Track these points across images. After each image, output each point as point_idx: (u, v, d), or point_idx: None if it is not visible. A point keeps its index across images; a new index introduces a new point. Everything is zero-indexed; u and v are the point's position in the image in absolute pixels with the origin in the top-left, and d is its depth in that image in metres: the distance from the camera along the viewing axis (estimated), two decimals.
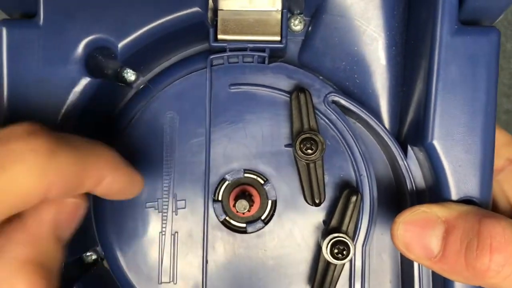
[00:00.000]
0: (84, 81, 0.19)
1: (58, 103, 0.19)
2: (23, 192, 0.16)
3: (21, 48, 0.19)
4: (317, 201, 0.21)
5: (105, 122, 0.22)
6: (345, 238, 0.19)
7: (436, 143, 0.18)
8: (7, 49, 0.19)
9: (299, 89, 0.20)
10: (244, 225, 0.22)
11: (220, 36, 0.20)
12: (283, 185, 0.21)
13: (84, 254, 0.23)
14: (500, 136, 0.21)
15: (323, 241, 0.20)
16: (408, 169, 0.19)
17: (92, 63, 0.19)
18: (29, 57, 0.19)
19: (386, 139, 0.20)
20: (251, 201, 0.20)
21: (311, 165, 0.20)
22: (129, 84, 0.21)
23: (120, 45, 0.19)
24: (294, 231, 0.21)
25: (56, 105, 0.19)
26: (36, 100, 0.19)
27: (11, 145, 0.16)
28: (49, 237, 0.18)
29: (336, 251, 0.20)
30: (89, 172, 0.18)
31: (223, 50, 0.20)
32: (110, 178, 0.18)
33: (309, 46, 0.21)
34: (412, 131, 0.19)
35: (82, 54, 0.19)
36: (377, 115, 0.20)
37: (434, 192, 0.19)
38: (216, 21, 0.20)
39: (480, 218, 0.17)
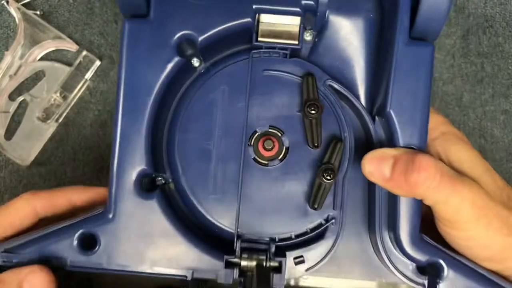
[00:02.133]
0: (176, 59, 0.31)
1: (158, 72, 0.30)
2: None
3: (137, 37, 0.30)
4: (316, 145, 0.31)
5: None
6: (332, 166, 0.30)
7: (391, 111, 0.29)
8: (127, 37, 0.30)
9: (308, 74, 0.31)
10: (266, 162, 0.32)
11: (259, 39, 0.31)
12: (294, 137, 0.32)
13: (157, 177, 0.33)
14: (439, 118, 0.32)
15: (318, 169, 0.31)
16: (375, 130, 0.31)
17: (180, 48, 0.30)
18: (142, 42, 0.30)
19: (362, 112, 0.31)
20: (273, 144, 0.31)
21: (313, 121, 0.31)
22: (195, 68, 0.32)
23: (200, 39, 0.30)
24: (299, 166, 0.32)
25: (157, 74, 0.30)
26: (144, 70, 0.30)
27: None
28: None
29: (326, 175, 0.30)
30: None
31: (260, 47, 0.31)
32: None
33: (315, 50, 0.32)
34: (378, 107, 0.30)
35: (175, 42, 0.30)
36: (357, 97, 0.32)
37: (390, 143, 0.30)
38: (258, 28, 0.31)
39: (415, 153, 0.28)
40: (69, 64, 0.50)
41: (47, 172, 0.50)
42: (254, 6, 0.29)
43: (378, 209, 0.30)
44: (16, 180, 0.50)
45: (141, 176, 0.31)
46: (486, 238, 0.28)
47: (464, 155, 0.30)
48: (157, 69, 0.30)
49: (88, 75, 0.50)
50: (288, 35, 0.30)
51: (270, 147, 0.31)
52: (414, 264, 0.30)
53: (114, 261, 0.31)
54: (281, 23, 0.30)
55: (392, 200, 0.29)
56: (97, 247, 0.31)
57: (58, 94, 0.49)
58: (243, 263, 0.30)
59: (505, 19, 0.51)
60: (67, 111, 0.50)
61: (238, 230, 0.31)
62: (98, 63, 0.50)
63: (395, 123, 0.29)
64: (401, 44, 0.29)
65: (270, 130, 0.32)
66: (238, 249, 0.30)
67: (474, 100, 0.51)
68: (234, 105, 0.32)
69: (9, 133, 0.50)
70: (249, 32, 0.30)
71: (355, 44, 0.31)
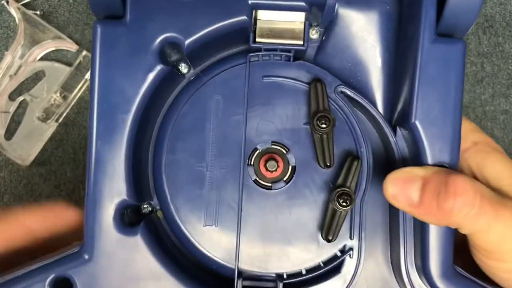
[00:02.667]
0: (158, 67, 0.26)
1: (138, 84, 0.26)
2: None
3: (111, 42, 0.25)
4: (328, 164, 0.26)
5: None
6: (349, 191, 0.25)
7: (417, 123, 0.24)
8: (100, 42, 0.25)
9: (316, 79, 0.26)
10: (270, 184, 0.28)
11: (257, 39, 0.27)
12: (301, 154, 0.27)
13: (142, 206, 0.29)
14: (467, 124, 0.27)
15: (332, 193, 0.26)
16: (396, 144, 0.26)
17: (163, 54, 0.26)
18: (117, 48, 0.25)
19: (381, 122, 0.26)
20: (277, 163, 0.27)
21: (324, 136, 0.26)
22: (183, 75, 0.27)
23: (187, 42, 0.26)
24: (309, 188, 0.27)
25: (137, 86, 0.26)
26: (120, 82, 0.26)
27: None
28: None
29: (341, 201, 0.25)
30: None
31: (259, 50, 0.27)
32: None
33: (323, 50, 0.27)
34: (400, 116, 0.26)
35: (157, 47, 0.25)
36: (374, 104, 0.27)
37: (416, 160, 0.25)
38: (255, 27, 0.26)
39: (448, 174, 0.23)
40: (69, 64, 0.50)
41: (47, 172, 0.50)
42: (250, 1, 0.25)
43: (403, 238, 0.25)
44: (16, 180, 0.50)
45: (122, 208, 0.27)
46: None
47: (502, 170, 0.25)
48: (136, 80, 0.25)
49: (88, 75, 0.50)
50: (291, 34, 0.26)
51: (273, 167, 0.27)
52: None
53: None
54: (282, 20, 0.26)
55: (420, 227, 0.25)
56: None
57: (58, 94, 0.49)
58: None
59: (505, 19, 0.51)
60: (67, 111, 0.50)
61: (239, 266, 0.27)
62: None
63: (422, 136, 0.24)
64: (426, 42, 0.24)
65: (273, 146, 0.27)
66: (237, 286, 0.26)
67: (474, 100, 0.51)
68: (230, 119, 0.27)
69: (9, 133, 0.50)
70: (245, 32, 0.26)
71: (369, 42, 0.26)
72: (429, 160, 0.24)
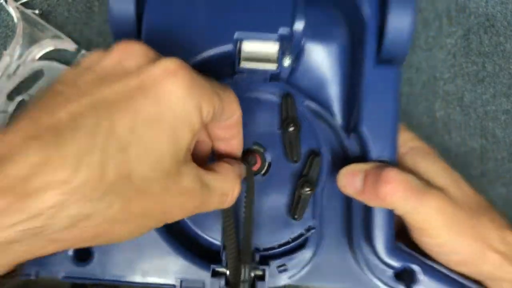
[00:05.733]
0: None
1: None
2: (187, 114, 0.22)
3: None
4: (295, 159, 0.33)
5: None
6: (311, 179, 0.32)
7: (364, 129, 0.31)
8: None
9: (287, 94, 0.33)
10: None
11: (241, 64, 0.32)
12: (275, 152, 0.33)
13: None
14: (408, 134, 0.34)
15: (298, 182, 0.33)
16: (350, 145, 0.33)
17: None
18: None
19: (338, 130, 0.34)
20: (256, 159, 0.33)
21: (292, 137, 0.32)
22: None
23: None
24: (281, 180, 0.33)
25: None
26: None
27: (164, 76, 0.22)
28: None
29: (305, 187, 0.32)
30: (225, 104, 0.25)
31: (242, 72, 0.32)
32: (238, 114, 0.27)
33: (293, 73, 0.34)
34: (352, 124, 0.33)
35: None
36: (333, 115, 0.34)
37: (364, 157, 0.32)
38: (239, 55, 0.32)
39: (383, 167, 0.30)
40: (68, 63, 0.50)
41: None
42: (235, 35, 0.30)
43: (355, 220, 0.32)
44: None
45: None
46: (455, 244, 0.29)
47: (431, 167, 0.32)
48: None
49: None
50: (267, 60, 0.31)
51: (253, 163, 0.33)
52: (391, 271, 0.31)
53: (108, 272, 0.31)
54: (261, 50, 0.31)
55: (367, 211, 0.31)
56: (92, 258, 0.32)
57: None
58: (229, 272, 0.30)
59: (507, 18, 0.51)
60: None
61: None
62: None
63: (368, 139, 0.31)
64: (369, 67, 0.31)
65: (253, 147, 0.33)
66: (224, 259, 0.31)
67: (475, 100, 0.50)
68: None
69: None
70: (232, 58, 0.31)
71: (329, 67, 0.34)
72: (373, 157, 0.31)
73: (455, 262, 0.31)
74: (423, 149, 0.34)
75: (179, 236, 0.32)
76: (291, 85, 0.34)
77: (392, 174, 0.29)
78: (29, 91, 0.49)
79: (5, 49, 0.50)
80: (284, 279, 0.32)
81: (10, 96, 0.49)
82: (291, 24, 0.30)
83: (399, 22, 0.29)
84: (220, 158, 0.30)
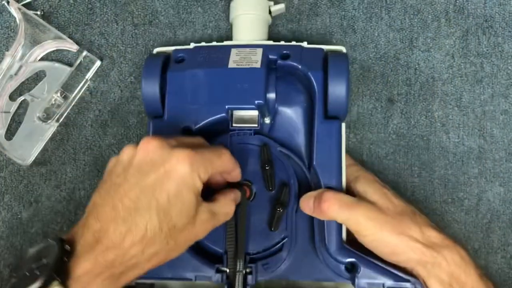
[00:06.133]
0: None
1: None
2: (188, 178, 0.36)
3: (157, 129, 0.45)
4: (271, 189, 0.44)
5: None
6: (283, 202, 0.44)
7: (316, 165, 0.43)
8: (152, 129, 0.45)
9: (264, 144, 0.45)
10: None
11: (233, 125, 0.45)
12: (259, 185, 0.45)
13: None
14: (354, 167, 0.46)
15: (275, 204, 0.44)
16: (311, 178, 0.45)
17: (183, 134, 0.44)
18: (160, 132, 0.44)
19: (302, 166, 0.45)
20: (246, 190, 0.44)
21: (269, 174, 0.44)
22: None
23: (195, 128, 0.44)
24: (263, 204, 0.44)
25: None
26: None
27: (176, 158, 0.35)
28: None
29: (278, 207, 0.43)
30: (220, 163, 0.39)
31: (234, 130, 0.45)
32: (231, 166, 0.40)
33: (272, 128, 0.47)
34: (310, 161, 0.45)
35: (180, 131, 0.44)
36: (300, 157, 0.46)
37: (317, 185, 0.43)
38: (232, 119, 0.45)
39: (324, 191, 0.41)
40: (69, 64, 0.50)
41: (47, 172, 0.50)
42: (227, 107, 0.44)
43: (315, 230, 0.43)
44: (17, 180, 0.50)
45: None
46: (383, 238, 0.40)
47: (367, 188, 0.43)
48: None
49: (89, 75, 0.50)
50: (251, 121, 0.45)
51: (244, 192, 0.44)
52: (342, 265, 0.43)
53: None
54: (246, 114, 0.45)
55: (321, 223, 0.43)
56: None
57: (58, 94, 0.49)
58: (227, 270, 0.43)
59: (505, 19, 0.51)
60: (67, 111, 0.50)
61: (225, 247, 0.44)
62: (98, 63, 0.50)
63: (318, 173, 0.43)
64: (318, 122, 0.44)
65: (244, 181, 0.45)
66: (225, 261, 0.43)
67: (473, 100, 0.51)
68: None
69: (10, 133, 0.50)
70: (227, 122, 0.45)
71: (296, 123, 0.46)
72: (323, 185, 0.43)
73: (387, 253, 0.41)
74: (364, 176, 0.44)
75: (194, 246, 0.41)
76: (270, 136, 0.46)
77: (328, 195, 0.40)
78: (31, 92, 0.50)
79: (7, 50, 0.50)
80: (267, 274, 0.43)
81: (12, 97, 0.50)
82: (264, 97, 0.43)
83: (336, 91, 0.43)
84: (228, 182, 0.43)
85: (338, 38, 0.52)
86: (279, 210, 0.43)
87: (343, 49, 0.46)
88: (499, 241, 0.50)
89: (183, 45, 0.48)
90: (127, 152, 0.37)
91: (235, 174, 0.42)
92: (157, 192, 0.35)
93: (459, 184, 0.50)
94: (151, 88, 0.45)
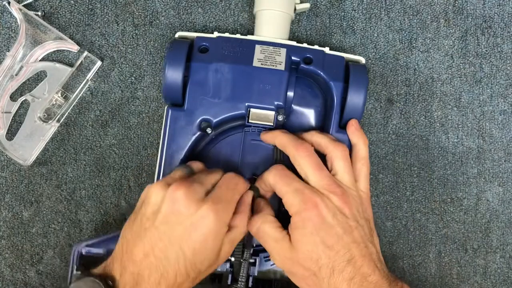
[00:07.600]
0: (198, 132, 0.46)
1: (187, 140, 0.46)
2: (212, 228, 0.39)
3: (175, 118, 0.46)
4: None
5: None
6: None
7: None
8: (170, 118, 0.46)
9: None
10: None
11: (250, 121, 0.46)
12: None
13: None
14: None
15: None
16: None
17: (201, 126, 0.46)
18: (179, 122, 0.46)
19: None
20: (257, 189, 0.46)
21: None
22: (208, 134, 0.47)
23: (214, 121, 0.46)
24: (271, 198, 0.45)
25: (186, 140, 0.46)
26: (178, 138, 0.46)
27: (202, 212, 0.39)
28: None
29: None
30: (235, 200, 0.42)
31: (249, 126, 0.47)
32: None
33: (285, 126, 0.47)
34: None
35: (199, 122, 0.46)
36: None
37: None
38: (249, 115, 0.46)
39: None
40: (70, 64, 0.50)
41: (48, 172, 0.50)
42: (246, 104, 0.45)
43: None
44: (18, 180, 0.50)
45: None
46: (288, 201, 0.42)
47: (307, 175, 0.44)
48: (186, 138, 0.46)
49: (89, 75, 0.50)
50: (267, 119, 0.46)
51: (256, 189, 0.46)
52: None
53: None
54: (263, 112, 0.46)
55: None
56: None
57: (59, 95, 0.49)
58: (232, 259, 0.45)
59: (504, 20, 0.52)
60: (68, 111, 0.50)
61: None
62: (99, 63, 0.50)
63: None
64: (333, 131, 0.46)
65: (253, 176, 0.47)
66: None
67: (472, 101, 0.51)
68: (232, 161, 0.48)
69: (11, 133, 0.50)
70: (243, 117, 0.46)
71: (308, 126, 0.48)
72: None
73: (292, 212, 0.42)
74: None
75: None
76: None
77: (244, 203, 0.43)
78: (32, 92, 0.50)
79: (8, 50, 0.50)
80: (268, 265, 0.46)
81: (13, 97, 0.50)
82: (284, 100, 0.46)
83: (354, 104, 0.45)
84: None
85: (337, 39, 0.52)
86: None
87: (362, 60, 0.47)
88: (498, 240, 0.50)
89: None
90: (155, 193, 0.40)
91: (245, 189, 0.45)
92: (184, 245, 0.38)
93: (458, 184, 0.50)
94: (175, 74, 0.45)
